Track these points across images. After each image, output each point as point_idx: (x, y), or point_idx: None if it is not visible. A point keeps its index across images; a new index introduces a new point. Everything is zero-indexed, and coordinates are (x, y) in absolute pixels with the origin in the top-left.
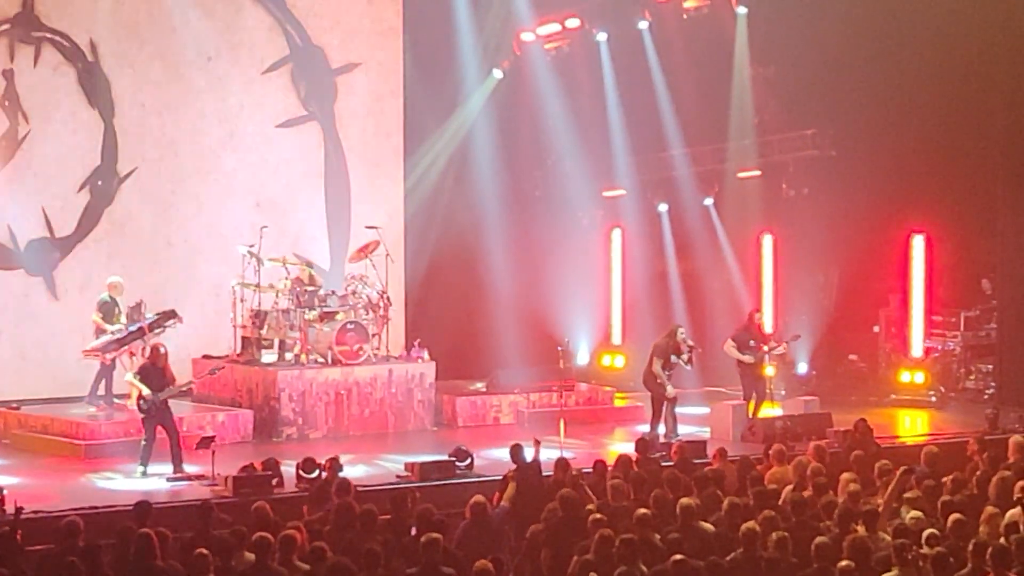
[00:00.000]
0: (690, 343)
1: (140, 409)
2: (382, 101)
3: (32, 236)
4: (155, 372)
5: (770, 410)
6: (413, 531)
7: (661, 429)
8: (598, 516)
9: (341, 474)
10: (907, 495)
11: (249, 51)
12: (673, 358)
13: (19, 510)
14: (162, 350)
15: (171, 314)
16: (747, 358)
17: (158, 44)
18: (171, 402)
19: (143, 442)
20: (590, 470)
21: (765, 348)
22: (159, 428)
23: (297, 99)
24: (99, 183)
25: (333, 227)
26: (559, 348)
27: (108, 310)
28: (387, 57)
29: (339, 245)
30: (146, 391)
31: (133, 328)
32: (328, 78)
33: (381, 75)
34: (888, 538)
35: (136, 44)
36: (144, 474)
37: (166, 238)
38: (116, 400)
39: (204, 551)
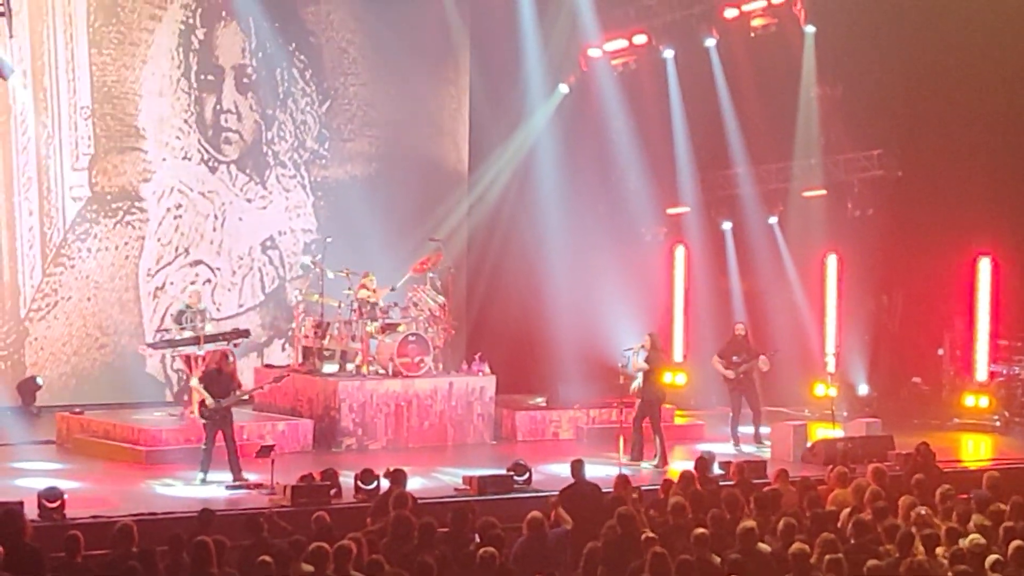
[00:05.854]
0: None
1: (201, 415)
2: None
3: None
4: (220, 378)
5: (832, 431)
6: (475, 542)
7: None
8: (650, 535)
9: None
10: (973, 520)
11: None
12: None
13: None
14: (230, 357)
15: (243, 333)
16: (729, 373)
17: None
18: (233, 410)
19: (203, 448)
20: (656, 487)
21: (739, 360)
22: (218, 435)
23: None
24: None
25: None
26: (620, 364)
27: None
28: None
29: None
30: (209, 398)
31: (188, 335)
32: None
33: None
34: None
35: None
36: (204, 481)
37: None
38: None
39: (267, 559)
